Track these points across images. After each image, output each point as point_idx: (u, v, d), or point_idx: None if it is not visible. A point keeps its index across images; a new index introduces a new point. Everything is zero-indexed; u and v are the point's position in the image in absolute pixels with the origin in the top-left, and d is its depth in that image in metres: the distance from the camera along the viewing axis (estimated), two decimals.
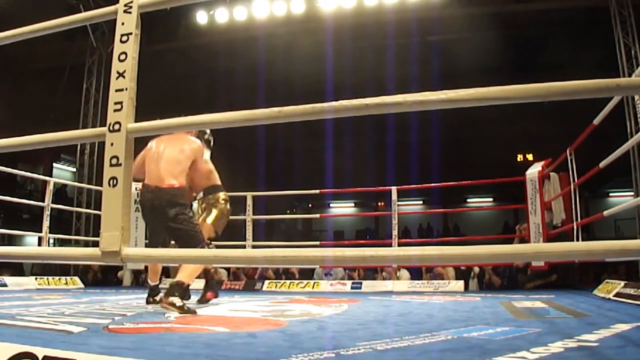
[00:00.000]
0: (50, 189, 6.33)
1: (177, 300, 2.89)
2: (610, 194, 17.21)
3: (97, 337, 1.86)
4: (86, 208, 9.02)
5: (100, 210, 1.56)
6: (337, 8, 8.76)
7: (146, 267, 7.20)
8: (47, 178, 6.66)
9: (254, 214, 6.85)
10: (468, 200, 19.25)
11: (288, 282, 6.53)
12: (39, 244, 7.22)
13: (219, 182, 3.88)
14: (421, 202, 18.34)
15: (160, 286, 3.67)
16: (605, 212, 4.10)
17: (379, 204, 18.51)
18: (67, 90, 10.32)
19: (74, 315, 2.64)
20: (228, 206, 3.85)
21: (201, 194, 4.19)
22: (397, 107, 1.35)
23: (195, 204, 4.08)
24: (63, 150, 15.24)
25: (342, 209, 21.02)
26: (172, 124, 1.73)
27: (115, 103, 1.59)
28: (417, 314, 2.98)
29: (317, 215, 15.27)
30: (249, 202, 6.73)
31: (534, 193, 5.64)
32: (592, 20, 8.92)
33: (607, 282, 4.59)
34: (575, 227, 4.91)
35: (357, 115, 1.40)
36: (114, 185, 1.53)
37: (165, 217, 3.14)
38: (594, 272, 7.86)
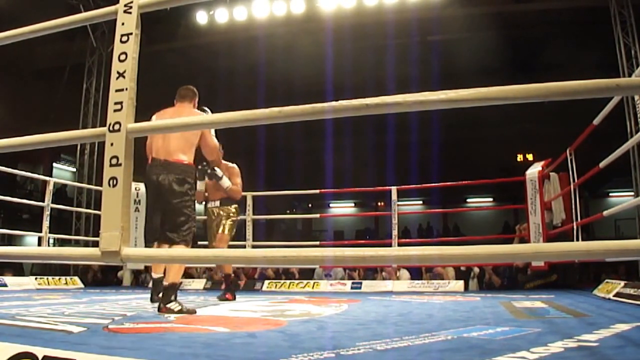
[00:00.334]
0: (50, 189, 6.33)
1: (174, 306, 2.90)
2: (610, 194, 17.21)
3: (97, 337, 1.86)
4: (86, 208, 9.02)
5: (100, 210, 1.56)
6: (337, 8, 8.76)
7: (146, 267, 7.25)
8: (47, 178, 6.66)
9: (254, 214, 6.85)
10: (468, 200, 19.23)
11: (288, 282, 6.53)
12: (39, 244, 7.22)
13: (237, 197, 4.51)
14: (421, 202, 18.34)
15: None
16: (605, 212, 4.10)
17: (379, 204, 18.50)
18: (67, 90, 10.32)
19: (73, 315, 2.65)
20: (237, 216, 4.61)
21: (217, 203, 4.56)
22: (397, 107, 1.35)
23: (210, 205, 4.60)
24: (63, 150, 15.23)
25: (342, 209, 21.01)
26: (172, 124, 1.73)
27: (115, 103, 1.58)
28: (417, 314, 2.98)
29: (317, 215, 15.26)
30: (249, 202, 6.73)
31: (534, 193, 5.64)
32: (592, 20, 8.92)
33: (607, 282, 4.59)
34: (575, 227, 4.91)
35: (357, 115, 1.40)
36: (113, 185, 1.53)
37: (170, 193, 3.08)
38: (593, 272, 7.86)
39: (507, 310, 3.04)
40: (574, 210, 5.00)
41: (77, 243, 8.65)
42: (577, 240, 4.82)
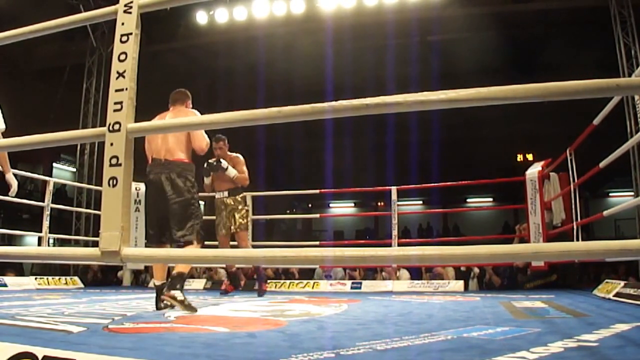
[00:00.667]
0: (50, 189, 6.33)
1: (178, 294, 2.91)
2: (610, 194, 17.21)
3: (97, 337, 1.86)
4: (86, 208, 9.02)
5: (100, 210, 1.56)
6: (337, 8, 8.76)
7: (146, 267, 7.25)
8: (47, 178, 6.65)
9: (254, 214, 6.85)
10: (468, 200, 19.24)
11: (288, 282, 6.53)
12: (39, 244, 7.23)
13: (244, 183, 4.78)
14: (421, 202, 18.34)
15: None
16: (605, 212, 4.10)
17: (379, 204, 18.50)
18: (67, 90, 10.32)
19: (73, 315, 2.65)
20: (247, 206, 5.02)
21: (226, 193, 4.81)
22: (397, 107, 1.35)
23: (219, 196, 4.81)
24: (63, 150, 15.23)
25: (342, 209, 21.02)
26: (172, 124, 1.73)
27: (115, 103, 1.58)
28: (417, 314, 2.98)
29: (317, 215, 15.28)
30: (249, 202, 6.73)
31: (534, 193, 5.64)
32: (592, 20, 8.92)
33: (606, 282, 4.59)
34: (575, 227, 4.91)
35: (357, 115, 1.40)
36: (113, 185, 1.53)
37: (173, 191, 3.13)
38: (593, 272, 7.86)
39: (507, 310, 3.04)
40: (574, 210, 5.00)
41: (77, 243, 8.64)
42: (577, 240, 4.82)
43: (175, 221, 3.13)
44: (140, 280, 7.57)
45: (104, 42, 9.68)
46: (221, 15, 9.24)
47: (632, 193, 7.35)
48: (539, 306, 3.30)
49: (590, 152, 4.74)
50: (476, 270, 6.28)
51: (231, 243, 5.02)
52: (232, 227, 4.79)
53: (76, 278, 6.89)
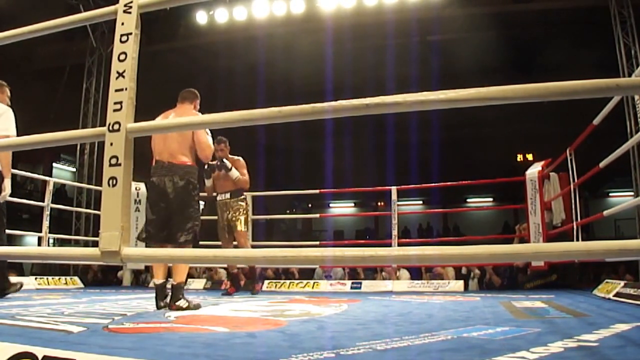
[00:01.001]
0: (50, 188, 6.33)
1: (183, 303, 3.07)
2: (610, 194, 17.21)
3: (97, 337, 1.86)
4: (86, 208, 9.02)
5: (100, 210, 1.56)
6: (337, 8, 8.75)
7: (146, 267, 7.25)
8: (47, 178, 6.66)
9: (253, 214, 6.85)
10: (468, 200, 19.24)
11: (288, 282, 6.53)
12: (39, 244, 7.23)
13: (244, 186, 4.84)
14: (421, 202, 18.34)
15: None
16: (605, 212, 4.10)
17: (379, 204, 18.50)
18: (67, 90, 10.31)
19: (73, 315, 2.64)
20: (248, 207, 5.16)
21: (227, 195, 4.88)
22: (397, 107, 1.35)
23: (221, 198, 4.88)
24: (63, 150, 15.25)
25: (342, 209, 21.02)
26: (172, 124, 1.73)
27: (115, 103, 1.58)
28: (416, 314, 2.98)
29: (317, 215, 15.27)
30: (249, 202, 6.73)
31: (534, 193, 5.64)
32: (592, 20, 8.92)
33: (606, 282, 4.59)
34: (575, 227, 4.91)
35: (357, 115, 1.40)
36: (113, 185, 1.53)
37: (175, 194, 3.17)
38: (593, 272, 7.86)
39: (507, 310, 3.04)
40: (574, 210, 5.00)
41: (77, 243, 8.65)
42: (577, 240, 4.82)
43: (176, 222, 3.18)
44: (140, 280, 7.56)
45: (104, 42, 9.69)
46: (221, 15, 9.24)
47: (632, 193, 7.35)
48: (539, 306, 3.30)
49: (590, 152, 4.74)
50: (476, 272, 6.28)
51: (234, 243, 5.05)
52: (235, 229, 4.84)
53: (76, 278, 6.89)
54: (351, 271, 7.46)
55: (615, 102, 3.74)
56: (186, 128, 2.80)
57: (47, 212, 6.20)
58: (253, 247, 6.79)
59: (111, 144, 1.55)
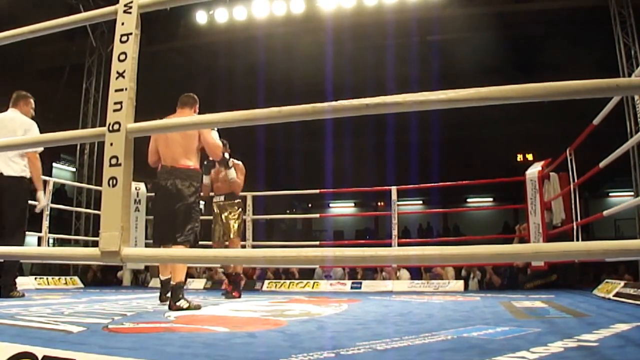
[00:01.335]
0: (49, 188, 6.33)
1: (183, 304, 3.10)
2: (610, 194, 17.20)
3: (97, 337, 1.86)
4: (86, 208, 9.01)
5: (100, 210, 1.56)
6: (337, 8, 8.75)
7: (146, 267, 7.25)
8: (46, 178, 6.64)
9: (253, 214, 6.85)
10: (468, 200, 19.23)
11: (288, 282, 6.53)
12: (39, 244, 7.22)
13: (237, 190, 4.80)
14: (421, 202, 18.33)
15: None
16: (605, 212, 4.10)
17: (379, 203, 18.48)
18: (67, 90, 10.31)
19: (73, 315, 2.64)
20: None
21: (222, 198, 4.89)
22: (397, 107, 1.35)
23: (216, 200, 4.88)
24: (63, 150, 15.21)
25: (342, 208, 21.00)
26: (172, 124, 1.73)
27: (115, 103, 1.58)
28: (416, 313, 2.98)
29: (317, 215, 15.26)
30: (249, 202, 6.73)
31: (534, 193, 5.64)
32: (592, 20, 8.91)
33: (606, 282, 4.59)
34: (575, 227, 4.92)
35: (357, 115, 1.40)
36: (113, 185, 1.53)
37: (176, 196, 3.28)
38: (593, 272, 7.86)
39: (507, 310, 3.04)
40: (574, 210, 5.00)
41: (76, 243, 8.64)
42: (577, 240, 4.82)
43: (177, 223, 3.27)
44: (140, 280, 7.56)
45: (104, 42, 9.68)
46: (221, 15, 9.24)
47: (632, 193, 7.34)
48: (539, 306, 3.30)
49: (590, 152, 4.74)
50: (477, 272, 6.28)
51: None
52: (227, 233, 4.82)
53: (76, 278, 6.89)
54: (351, 271, 7.46)
55: (615, 102, 3.74)
56: (186, 128, 2.80)
57: (47, 212, 6.19)
58: (253, 247, 6.81)
59: (111, 144, 1.55)
